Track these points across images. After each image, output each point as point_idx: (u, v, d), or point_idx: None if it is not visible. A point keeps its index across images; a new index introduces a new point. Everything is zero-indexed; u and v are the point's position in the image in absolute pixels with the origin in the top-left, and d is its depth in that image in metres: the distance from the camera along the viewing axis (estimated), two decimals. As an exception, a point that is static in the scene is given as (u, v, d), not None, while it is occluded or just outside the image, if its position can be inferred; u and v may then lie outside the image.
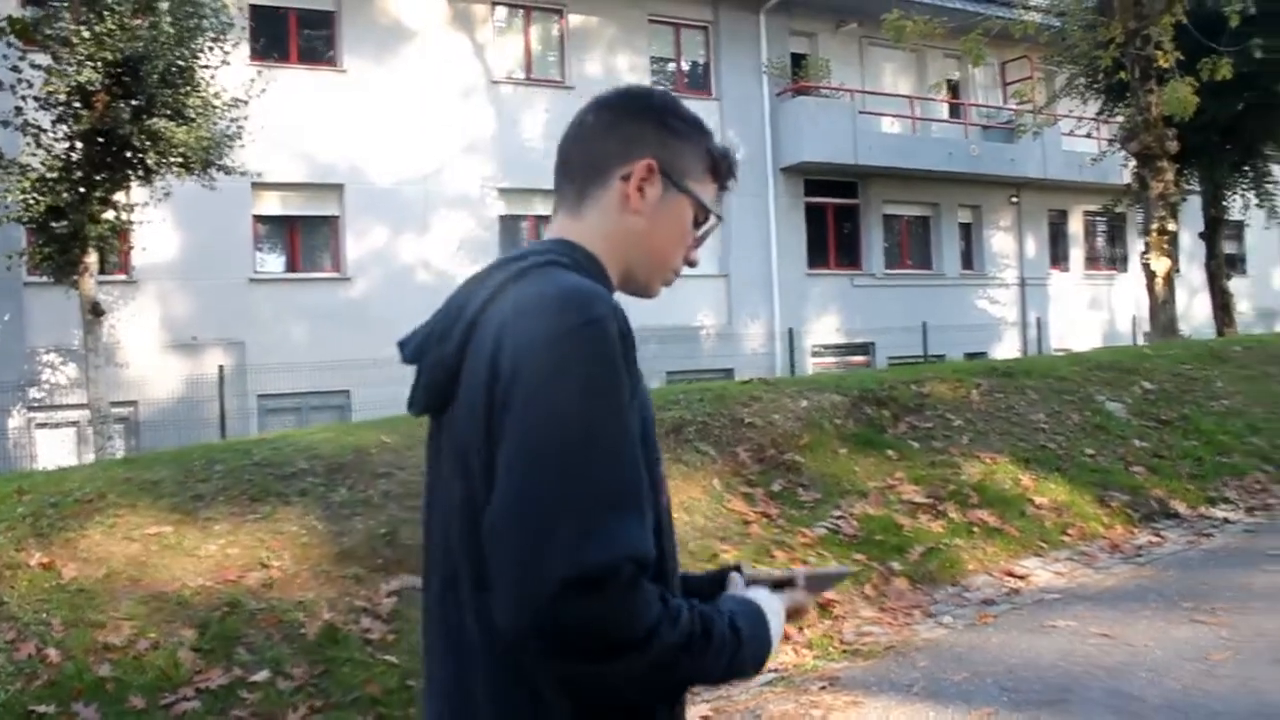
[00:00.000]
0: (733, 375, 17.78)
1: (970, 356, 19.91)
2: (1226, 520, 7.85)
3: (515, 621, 1.21)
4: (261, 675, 4.50)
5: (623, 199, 1.47)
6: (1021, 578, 6.50)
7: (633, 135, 1.49)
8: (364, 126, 16.63)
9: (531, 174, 17.96)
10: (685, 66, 20.65)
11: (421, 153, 17.20)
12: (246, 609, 4.88)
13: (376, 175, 16.83)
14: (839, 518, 6.79)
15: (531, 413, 1.24)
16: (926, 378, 9.19)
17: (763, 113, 20.52)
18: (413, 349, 1.47)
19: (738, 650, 1.35)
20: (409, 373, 1.49)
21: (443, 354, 1.40)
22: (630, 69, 19.31)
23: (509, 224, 18.29)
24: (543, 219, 18.58)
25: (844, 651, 5.40)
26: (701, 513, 6.51)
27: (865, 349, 20.91)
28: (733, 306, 19.81)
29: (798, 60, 21.30)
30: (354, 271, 16.72)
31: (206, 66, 11.90)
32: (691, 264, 1.57)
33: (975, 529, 6.95)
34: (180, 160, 11.67)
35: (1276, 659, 4.83)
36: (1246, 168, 18.83)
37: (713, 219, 1.55)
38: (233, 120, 12.17)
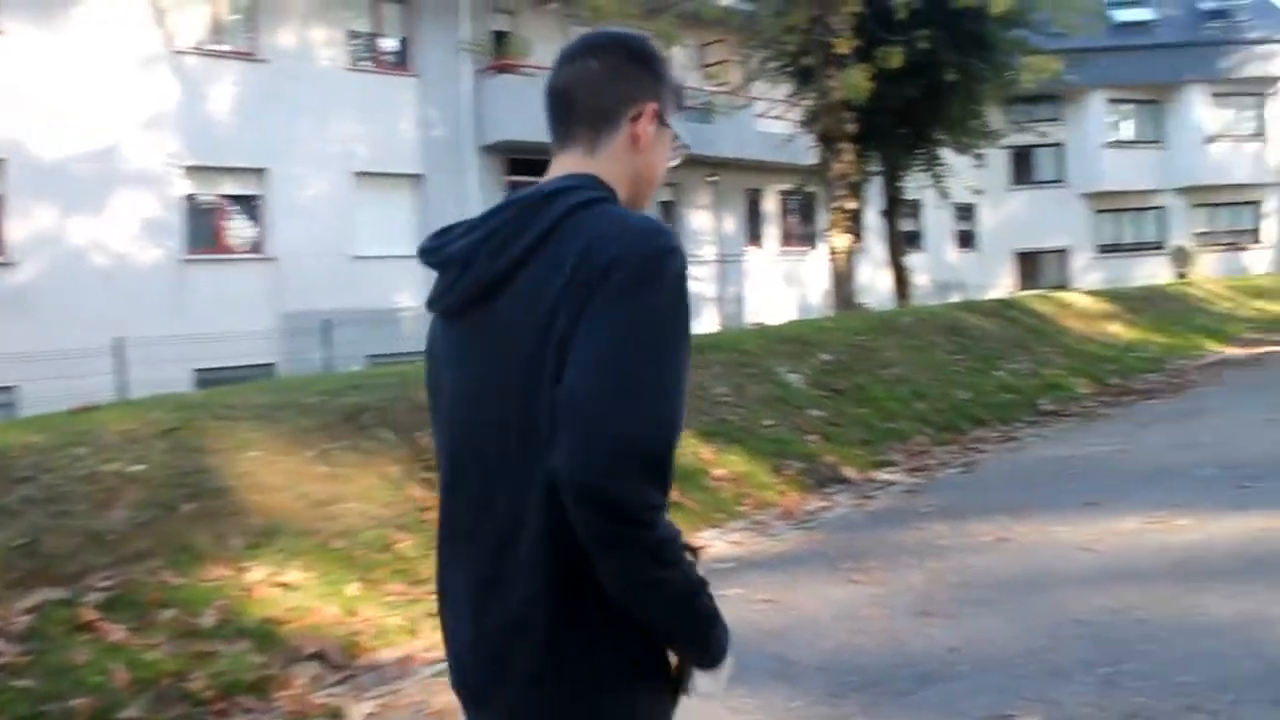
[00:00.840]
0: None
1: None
2: (890, 482, 8.32)
3: (577, 468, 1.38)
4: None
5: (632, 139, 1.67)
6: (699, 549, 6.64)
7: (635, 81, 1.69)
8: (27, 95, 15.22)
9: (220, 151, 17.10)
10: (384, 41, 20.10)
11: (95, 126, 15.92)
12: None
13: (42, 149, 15.48)
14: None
15: (638, 304, 1.45)
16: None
17: (464, 91, 20.26)
18: (450, 259, 1.62)
19: (716, 619, 1.56)
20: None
21: (499, 263, 1.55)
22: (327, 42, 18.62)
23: (195, 204, 17.31)
24: (234, 198, 17.75)
25: (518, 635, 5.37)
26: (378, 501, 6.30)
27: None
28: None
29: (500, 37, 21.13)
30: (18, 255, 15.39)
31: None
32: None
33: (655, 503, 7.07)
34: None
35: (918, 610, 5.11)
36: (920, 150, 20.03)
37: (684, 147, 1.80)
38: None
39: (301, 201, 18.01)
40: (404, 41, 20.12)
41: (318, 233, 18.03)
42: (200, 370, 15.17)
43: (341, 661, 4.89)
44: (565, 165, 1.67)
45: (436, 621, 1.43)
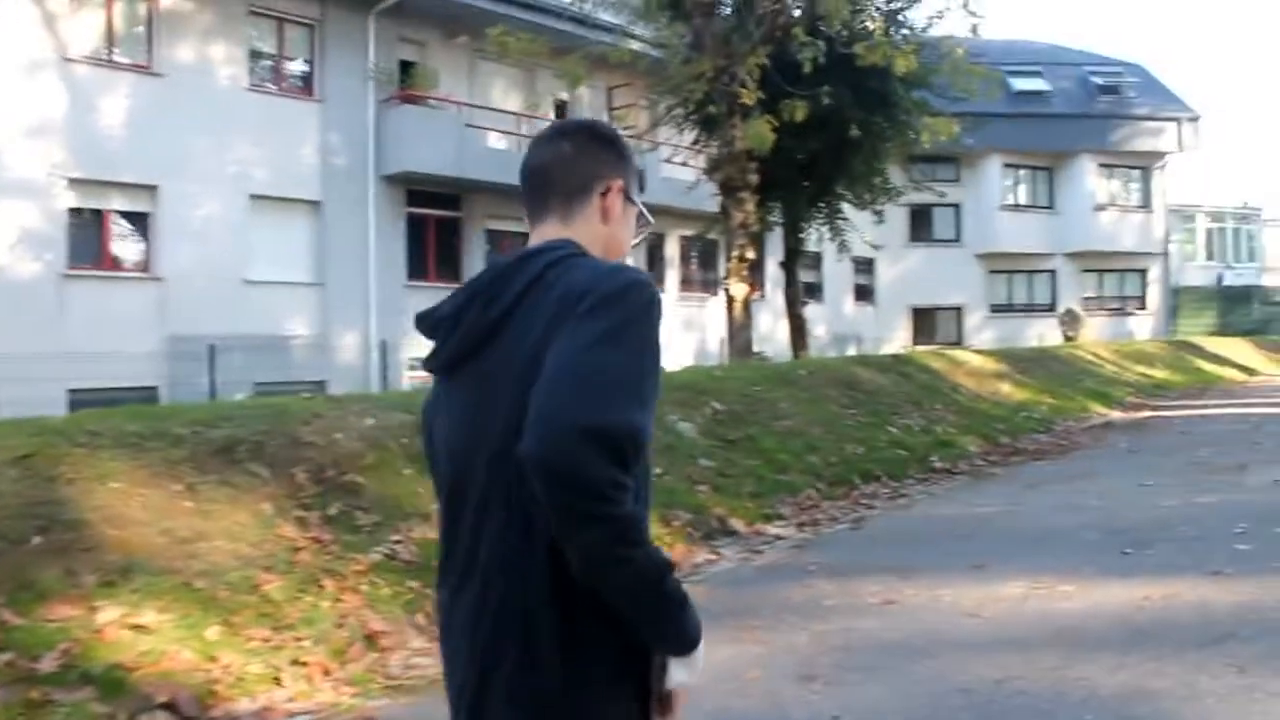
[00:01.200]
0: (325, 388, 17.10)
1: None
2: (779, 537, 8.23)
3: (542, 448, 1.51)
4: None
5: (602, 212, 1.89)
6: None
7: (603, 161, 1.92)
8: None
9: (109, 165, 16.53)
10: (288, 64, 19.70)
11: (-27, 132, 15.35)
12: None
13: (-85, 155, 14.85)
14: (397, 542, 6.48)
15: (607, 315, 1.61)
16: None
17: (367, 119, 19.93)
18: (442, 318, 1.82)
19: (686, 602, 1.67)
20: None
21: (488, 316, 1.73)
22: (227, 60, 18.17)
23: (80, 218, 16.68)
24: (122, 214, 17.14)
25: (386, 687, 5.10)
26: (246, 540, 5.99)
27: (464, 363, 20.75)
28: (327, 317, 19.06)
29: (406, 67, 20.88)
30: (-115, 265, 14.67)
31: None
32: None
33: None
34: None
35: (801, 674, 4.98)
36: (822, 203, 20.23)
37: (647, 223, 2.03)
38: None
39: (193, 221, 17.46)
40: (309, 65, 19.74)
41: (209, 254, 17.48)
42: (76, 391, 14.55)
43: (194, 712, 4.58)
44: (544, 234, 1.88)
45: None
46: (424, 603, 5.95)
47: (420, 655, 5.47)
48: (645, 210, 2.02)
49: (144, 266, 17.32)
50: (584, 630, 1.64)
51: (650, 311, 1.67)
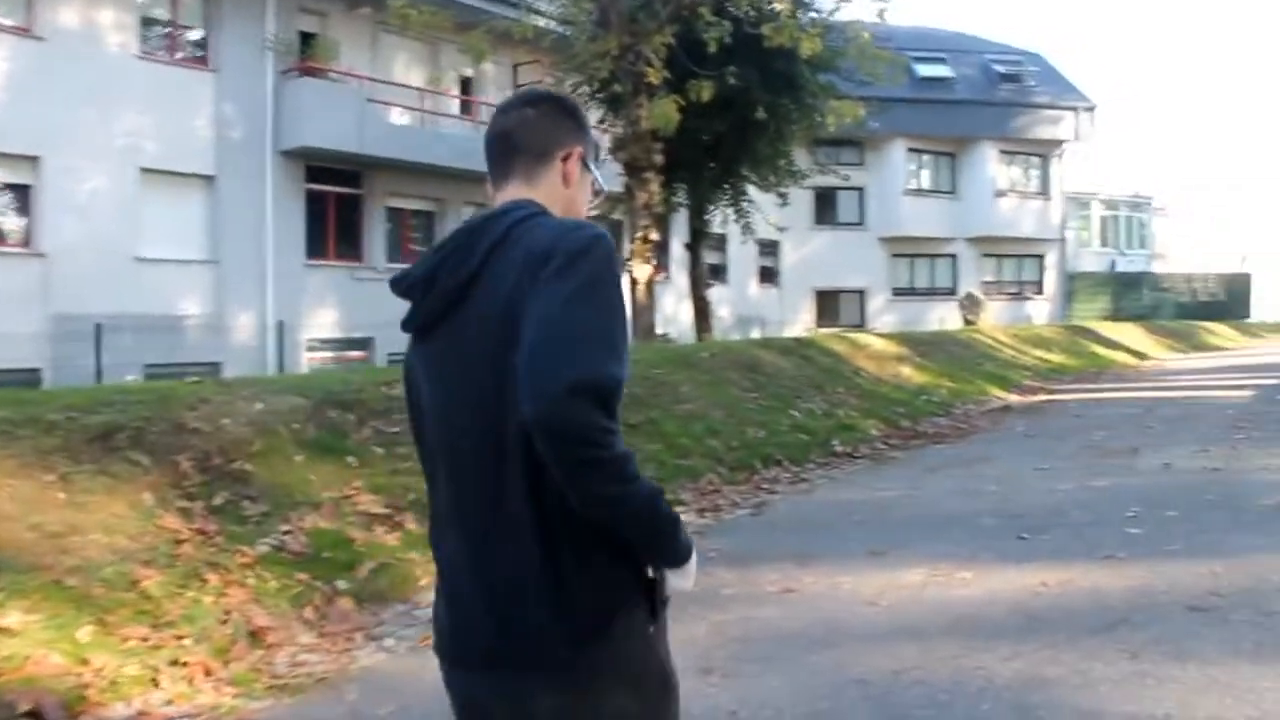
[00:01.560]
0: (220, 370, 16.65)
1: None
2: (680, 523, 8.13)
3: (539, 406, 1.64)
4: None
5: (563, 176, 2.03)
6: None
7: (566, 128, 2.06)
8: None
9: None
10: (181, 32, 19.04)
11: None
12: None
13: None
14: (286, 533, 6.26)
15: (575, 274, 1.73)
16: (398, 379, 8.85)
17: (265, 91, 19.37)
18: (415, 280, 1.92)
19: (677, 521, 1.84)
20: None
21: (459, 275, 1.85)
22: (115, 26, 17.48)
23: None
24: (1, 186, 16.46)
25: (270, 687, 4.89)
26: (125, 532, 5.71)
27: (365, 344, 20.33)
28: (222, 296, 18.53)
29: (306, 39, 20.35)
30: None
31: None
32: None
33: (433, 540, 6.68)
34: None
35: (700, 667, 4.88)
36: (727, 185, 20.23)
37: (600, 190, 2.15)
38: None
39: (79, 195, 16.81)
40: (204, 34, 19.10)
41: (96, 230, 16.86)
42: (-50, 373, 13.94)
43: (62, 719, 4.35)
44: (508, 194, 2.00)
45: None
46: (314, 596, 5.76)
47: (308, 651, 5.28)
48: (599, 178, 2.14)
49: (25, 242, 16.65)
50: (593, 555, 1.79)
51: (611, 264, 1.81)
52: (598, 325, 1.72)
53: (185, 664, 4.80)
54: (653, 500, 1.77)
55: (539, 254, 1.77)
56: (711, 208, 20.57)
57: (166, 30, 18.79)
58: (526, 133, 2.03)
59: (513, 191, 1.99)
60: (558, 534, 1.77)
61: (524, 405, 1.67)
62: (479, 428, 1.82)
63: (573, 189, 2.05)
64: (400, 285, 1.97)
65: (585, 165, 2.07)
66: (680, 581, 1.89)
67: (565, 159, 2.03)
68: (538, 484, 1.76)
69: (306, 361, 19.13)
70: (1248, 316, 44.65)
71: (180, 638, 4.96)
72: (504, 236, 1.85)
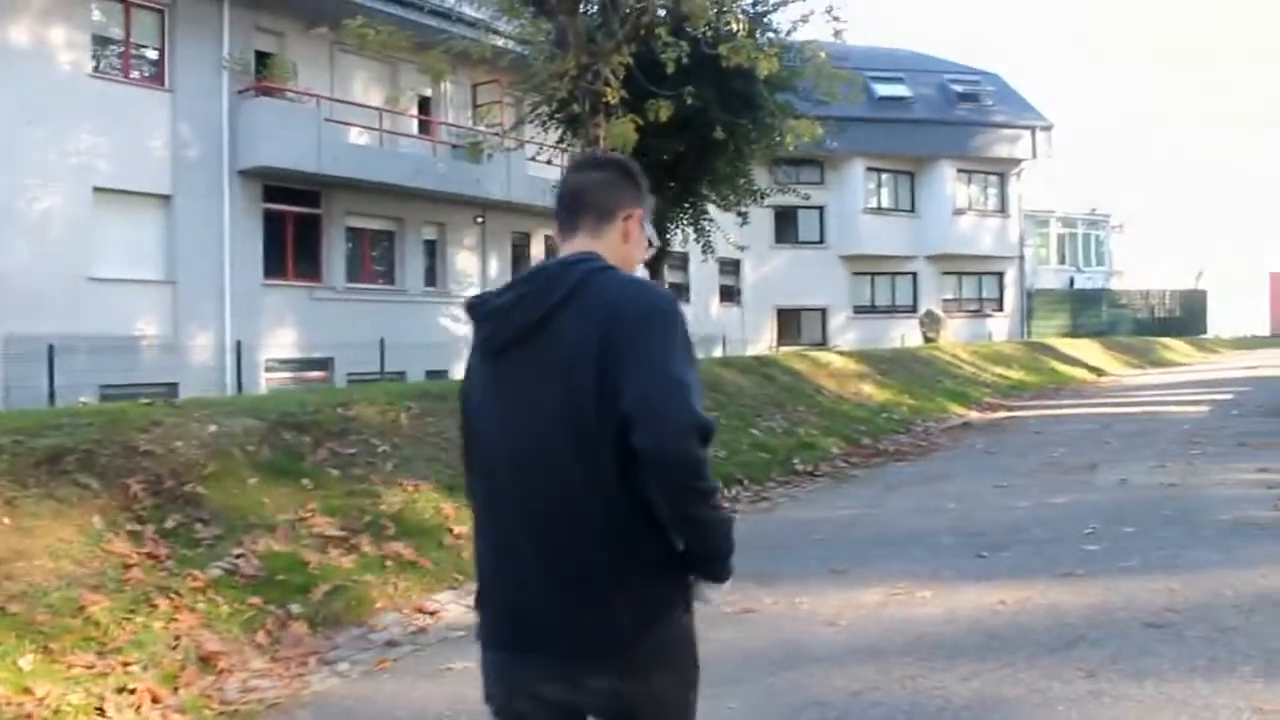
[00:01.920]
0: (177, 391, 16.42)
1: (432, 374, 19.85)
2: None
3: (662, 444, 2.01)
4: None
5: (624, 233, 2.34)
6: (432, 613, 6.22)
7: (629, 192, 2.37)
8: None
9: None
10: (135, 51, 18.84)
11: None
12: None
13: None
14: (239, 556, 6.16)
15: (668, 329, 2.11)
16: (355, 400, 8.78)
17: (221, 110, 19.17)
18: (495, 309, 2.25)
19: (733, 549, 2.20)
20: None
21: (538, 310, 2.16)
22: (67, 44, 17.23)
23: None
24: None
25: (220, 713, 4.80)
26: (72, 557, 5.61)
27: (324, 364, 20.16)
28: (179, 316, 18.30)
29: (263, 58, 20.21)
30: None
31: None
32: None
33: (389, 562, 6.61)
34: None
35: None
36: (687, 204, 20.23)
37: (652, 245, 2.46)
38: None
39: (30, 215, 16.56)
40: (159, 53, 18.92)
41: (49, 250, 16.60)
42: (-104, 395, 13.69)
43: (1, 750, 4.25)
44: (574, 245, 2.32)
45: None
46: (266, 619, 5.67)
47: (260, 677, 5.19)
48: (654, 235, 2.47)
49: (-25, 262, 16.37)
50: (651, 557, 2.14)
51: (684, 322, 2.17)
52: (692, 376, 2.09)
53: (132, 691, 4.70)
54: (729, 525, 2.20)
55: (627, 308, 2.12)
56: (672, 227, 20.57)
57: (120, 49, 18.58)
58: (595, 193, 2.35)
59: (580, 243, 2.32)
60: (623, 536, 2.10)
61: (647, 443, 2.02)
62: (554, 435, 2.12)
63: (630, 244, 2.37)
64: (478, 310, 2.31)
65: (642, 225, 2.39)
66: (713, 595, 2.26)
67: (627, 219, 2.36)
68: (607, 489, 2.09)
69: (265, 382, 18.93)
70: (1204, 332, 45.22)
71: (128, 664, 4.86)
72: (580, 283, 2.16)
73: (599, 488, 2.08)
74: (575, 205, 2.35)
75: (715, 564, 2.21)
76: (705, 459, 2.05)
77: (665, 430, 2.01)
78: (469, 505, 2.41)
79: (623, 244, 2.35)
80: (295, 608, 5.82)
